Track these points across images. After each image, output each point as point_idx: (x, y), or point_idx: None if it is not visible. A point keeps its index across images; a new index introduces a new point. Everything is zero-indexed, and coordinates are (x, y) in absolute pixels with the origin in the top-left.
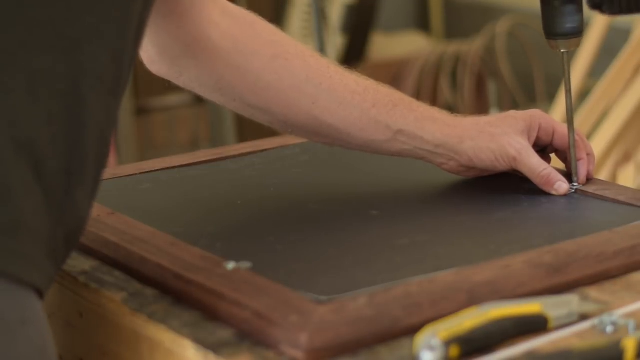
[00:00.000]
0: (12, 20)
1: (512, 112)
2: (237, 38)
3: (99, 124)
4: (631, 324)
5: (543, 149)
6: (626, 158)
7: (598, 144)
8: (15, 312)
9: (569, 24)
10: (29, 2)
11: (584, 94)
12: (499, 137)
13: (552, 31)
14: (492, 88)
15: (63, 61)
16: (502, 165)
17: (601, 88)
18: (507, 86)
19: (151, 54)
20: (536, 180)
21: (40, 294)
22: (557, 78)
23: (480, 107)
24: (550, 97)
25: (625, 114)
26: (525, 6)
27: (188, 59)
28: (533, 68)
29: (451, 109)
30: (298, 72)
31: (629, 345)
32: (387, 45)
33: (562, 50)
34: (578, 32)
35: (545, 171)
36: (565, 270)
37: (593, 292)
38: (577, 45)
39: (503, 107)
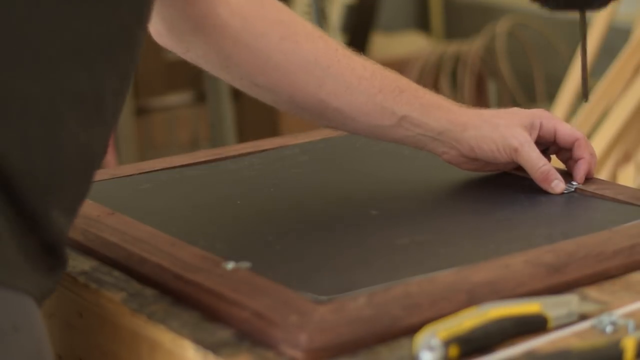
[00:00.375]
0: None
1: (516, 109)
2: (246, 17)
3: (81, 144)
4: (630, 323)
5: (544, 150)
6: (626, 158)
7: (598, 144)
8: (6, 318)
9: None
10: (3, 22)
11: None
12: (502, 127)
13: None
14: (492, 88)
15: (39, 82)
16: (503, 157)
17: (601, 88)
18: (507, 86)
19: (159, 27)
20: (535, 175)
21: (36, 300)
22: (557, 78)
23: (480, 107)
24: (550, 97)
25: (625, 114)
26: (525, 6)
27: (196, 36)
28: (533, 68)
29: None
30: (306, 54)
31: (629, 345)
32: (387, 45)
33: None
34: None
35: (545, 167)
36: (564, 269)
37: (592, 292)
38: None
39: (503, 107)
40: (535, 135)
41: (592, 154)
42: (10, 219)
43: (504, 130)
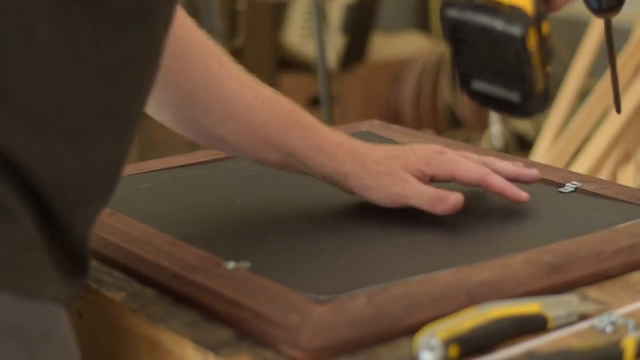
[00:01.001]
0: (17, 59)
1: (407, 151)
2: None
3: (109, 161)
4: (630, 323)
5: None
6: (626, 158)
7: (598, 144)
8: (37, 326)
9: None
10: (35, 41)
11: (584, 94)
12: (383, 175)
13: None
14: None
15: (69, 101)
16: (390, 203)
17: (601, 88)
18: None
19: None
20: (427, 204)
21: (65, 306)
22: (557, 78)
23: (480, 107)
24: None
25: (625, 114)
26: None
27: None
28: None
29: (451, 108)
30: (197, 76)
31: (629, 345)
32: (387, 45)
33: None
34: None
35: (434, 191)
36: (564, 269)
37: (592, 291)
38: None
39: None
40: (427, 181)
41: (509, 178)
42: (41, 228)
43: (384, 178)
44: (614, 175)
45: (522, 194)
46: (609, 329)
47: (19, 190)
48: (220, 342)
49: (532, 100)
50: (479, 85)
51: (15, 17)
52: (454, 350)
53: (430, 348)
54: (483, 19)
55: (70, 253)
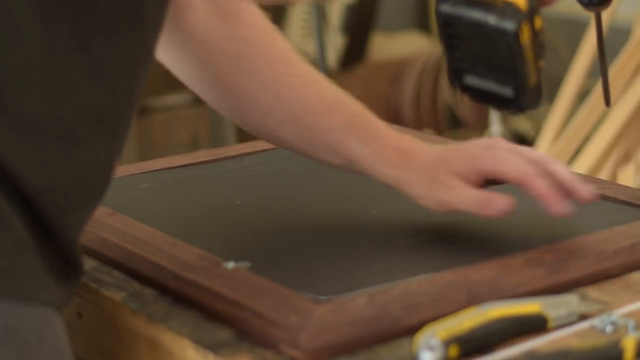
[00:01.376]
0: (4, 62)
1: (452, 150)
2: (209, 29)
3: (100, 163)
4: (630, 323)
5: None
6: (626, 158)
7: (598, 144)
8: (30, 329)
9: None
10: (21, 45)
11: (584, 94)
12: (435, 184)
13: None
14: None
15: (59, 104)
16: (442, 211)
17: (601, 88)
18: None
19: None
20: (475, 209)
21: (58, 310)
22: (557, 78)
23: (480, 107)
24: (551, 97)
25: (625, 114)
26: None
27: (162, 45)
28: None
29: (451, 109)
30: (258, 79)
31: (629, 345)
32: (387, 45)
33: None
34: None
35: (483, 196)
36: (564, 269)
37: (592, 291)
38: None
39: None
40: (473, 178)
41: (559, 183)
42: (32, 232)
43: (436, 188)
44: (614, 175)
45: (564, 208)
46: (609, 329)
47: (9, 195)
48: (220, 342)
49: (525, 95)
50: (472, 80)
51: (1, 20)
52: (454, 350)
53: (430, 348)
54: (476, 14)
55: (62, 256)
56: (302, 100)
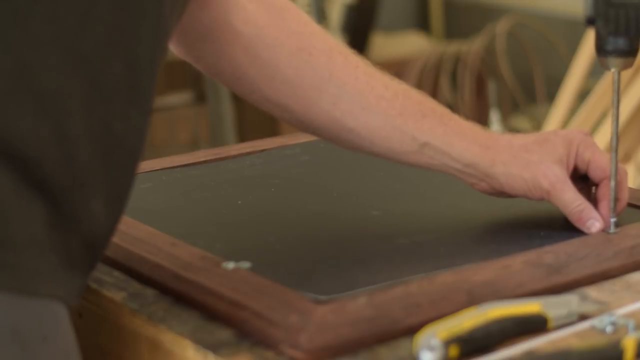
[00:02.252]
0: (16, 39)
1: (551, 134)
2: (261, 25)
3: (117, 135)
4: (631, 324)
5: (583, 177)
6: (626, 158)
7: (598, 144)
8: (34, 329)
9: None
10: (33, 19)
11: (584, 94)
12: (533, 165)
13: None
14: (492, 88)
15: (72, 76)
16: (535, 196)
17: (601, 88)
18: (507, 86)
19: None
20: (569, 217)
21: (67, 304)
22: (557, 78)
23: (480, 107)
24: (551, 98)
25: (625, 114)
26: (525, 6)
27: (206, 43)
28: (533, 68)
29: (451, 109)
30: (321, 69)
31: (629, 345)
32: (387, 45)
33: (611, 70)
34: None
35: (578, 207)
36: (564, 270)
37: (592, 292)
38: (628, 65)
39: (503, 107)
40: (572, 163)
41: (621, 197)
42: (47, 218)
43: (535, 169)
44: None
45: (605, 224)
46: (609, 329)
47: (25, 182)
48: (220, 342)
49: None
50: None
51: None
52: (454, 350)
53: (431, 348)
54: None
55: (84, 241)
56: (370, 87)
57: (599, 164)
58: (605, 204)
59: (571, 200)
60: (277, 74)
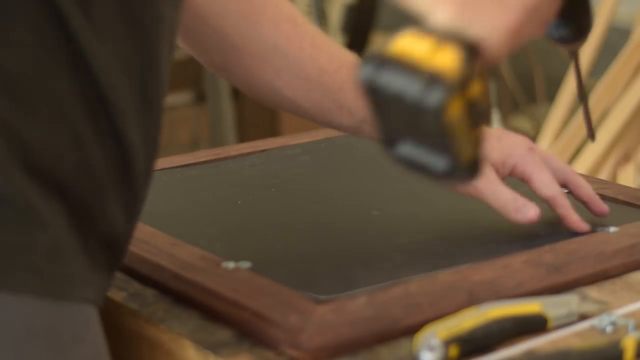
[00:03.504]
0: (28, 42)
1: (496, 138)
2: None
3: (133, 141)
4: (631, 323)
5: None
6: (626, 158)
7: (598, 144)
8: (68, 330)
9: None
10: (45, 26)
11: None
12: None
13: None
14: (492, 88)
15: (86, 82)
16: (469, 193)
17: (601, 88)
18: (507, 86)
19: None
20: (502, 210)
21: (96, 305)
22: (557, 78)
23: None
24: (551, 98)
25: (625, 114)
26: None
27: None
28: (533, 68)
29: None
30: (266, 37)
31: (629, 345)
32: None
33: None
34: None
35: (514, 200)
36: (564, 269)
37: (592, 291)
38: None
39: (503, 107)
40: (503, 176)
41: (585, 195)
42: (69, 222)
43: None
44: (614, 175)
45: (583, 226)
46: (609, 329)
47: (45, 188)
48: (220, 342)
49: (458, 170)
50: (405, 149)
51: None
52: (454, 350)
53: (431, 348)
54: (398, 82)
55: (104, 243)
56: (313, 58)
57: (540, 184)
58: (565, 219)
59: (503, 194)
60: (224, 40)
